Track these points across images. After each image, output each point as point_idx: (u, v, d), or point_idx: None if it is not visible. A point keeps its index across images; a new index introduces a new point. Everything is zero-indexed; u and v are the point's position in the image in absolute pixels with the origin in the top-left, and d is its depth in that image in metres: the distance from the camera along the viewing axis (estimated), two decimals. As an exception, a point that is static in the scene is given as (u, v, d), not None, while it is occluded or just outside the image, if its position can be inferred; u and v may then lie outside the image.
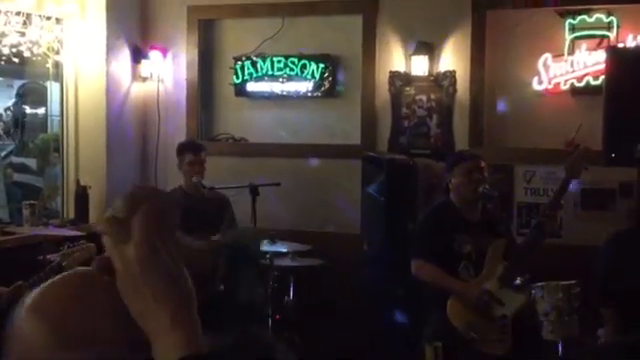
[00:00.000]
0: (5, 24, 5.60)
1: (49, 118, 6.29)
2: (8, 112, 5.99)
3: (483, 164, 4.45)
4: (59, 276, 1.18)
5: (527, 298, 3.98)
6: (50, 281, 1.18)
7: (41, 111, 6.24)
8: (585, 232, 5.54)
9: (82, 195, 6.09)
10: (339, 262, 5.73)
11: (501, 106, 5.93)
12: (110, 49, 6.28)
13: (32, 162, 6.26)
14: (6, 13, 5.60)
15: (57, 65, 6.15)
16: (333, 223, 6.17)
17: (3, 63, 5.71)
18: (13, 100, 6.04)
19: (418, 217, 4.79)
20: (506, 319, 4.13)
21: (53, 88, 6.26)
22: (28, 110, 6.14)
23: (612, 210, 5.49)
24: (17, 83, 5.99)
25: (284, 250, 5.07)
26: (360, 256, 5.73)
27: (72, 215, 6.16)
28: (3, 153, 5.99)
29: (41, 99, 6.21)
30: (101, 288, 1.06)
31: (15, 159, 6.13)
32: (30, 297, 1.14)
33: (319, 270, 5.33)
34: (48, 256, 4.73)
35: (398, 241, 5.14)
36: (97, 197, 6.18)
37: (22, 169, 6.18)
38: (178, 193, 5.57)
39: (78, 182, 6.14)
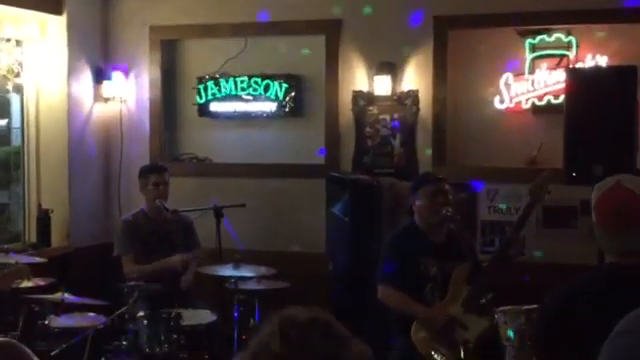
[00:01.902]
0: (-37, 47, 5.54)
1: (12, 131, 6.21)
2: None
3: (447, 187, 4.47)
4: None
5: (490, 322, 3.99)
6: None
7: (3, 123, 6.15)
8: (547, 249, 5.60)
9: (44, 218, 6.02)
10: (304, 282, 5.72)
11: (463, 126, 5.97)
12: (72, 70, 6.24)
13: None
14: (-36, 36, 5.53)
15: (18, 88, 6.08)
16: (298, 243, 6.17)
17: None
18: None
19: (383, 239, 4.80)
20: (469, 344, 4.14)
21: (13, 103, 6.19)
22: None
23: (574, 227, 5.55)
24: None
25: (249, 274, 5.05)
26: (325, 276, 5.73)
27: (34, 239, 6.09)
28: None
29: (4, 111, 6.14)
30: None
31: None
32: None
33: (284, 291, 5.32)
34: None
35: (363, 261, 5.16)
36: (59, 220, 6.13)
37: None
38: (140, 216, 5.53)
39: (40, 205, 6.08)
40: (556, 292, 2.51)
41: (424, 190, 4.45)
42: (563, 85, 5.38)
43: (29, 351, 1.79)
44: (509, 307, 3.79)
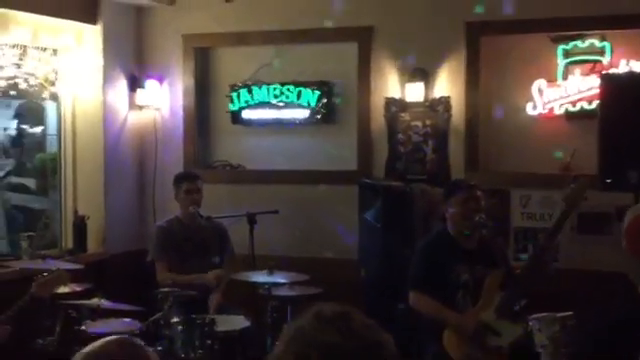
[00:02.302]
0: (1, 57, 5.63)
1: (47, 137, 6.31)
2: (7, 132, 6.02)
3: (479, 193, 4.47)
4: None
5: (524, 329, 3.98)
6: None
7: (39, 130, 6.26)
8: (582, 256, 5.56)
9: (80, 225, 6.11)
10: (337, 288, 5.73)
11: (496, 133, 5.96)
12: (107, 79, 6.32)
13: (31, 182, 6.27)
14: (1, 46, 5.63)
15: (54, 96, 6.18)
16: (331, 249, 6.19)
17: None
18: (11, 120, 6.07)
19: (415, 246, 4.80)
20: (502, 349, 4.14)
21: (49, 111, 6.29)
22: (27, 130, 6.16)
23: (608, 234, 5.51)
24: (15, 103, 6.03)
25: (282, 281, 5.08)
26: (358, 282, 5.74)
27: (70, 245, 6.18)
28: (1, 173, 6.00)
29: (39, 118, 6.24)
30: None
31: (14, 179, 6.15)
32: None
33: (317, 298, 5.34)
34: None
35: (395, 267, 5.17)
36: (95, 226, 6.21)
37: (21, 189, 6.20)
38: (175, 223, 5.58)
39: (76, 212, 6.16)
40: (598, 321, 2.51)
41: (456, 197, 4.45)
42: (596, 91, 5.36)
43: (148, 349, 1.83)
44: (543, 314, 3.78)
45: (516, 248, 5.75)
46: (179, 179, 5.65)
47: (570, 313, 3.76)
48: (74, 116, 6.31)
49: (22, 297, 4.19)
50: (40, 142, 6.30)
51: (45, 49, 6.03)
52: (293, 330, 1.53)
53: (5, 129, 6.03)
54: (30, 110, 6.18)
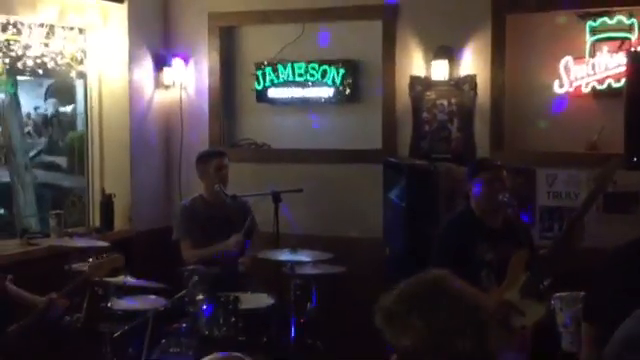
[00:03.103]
0: (29, 36, 5.68)
1: (77, 116, 6.36)
2: (38, 111, 6.07)
3: (504, 173, 4.44)
4: None
5: (547, 309, 3.97)
6: None
7: (70, 109, 6.31)
8: (608, 235, 5.49)
9: (107, 203, 6.17)
10: (361, 267, 5.75)
11: (522, 111, 5.91)
12: (133, 58, 6.35)
13: (63, 160, 6.33)
14: (29, 25, 5.67)
15: (81, 75, 6.22)
16: (356, 228, 6.20)
17: (27, 76, 5.80)
18: (43, 99, 6.13)
19: (439, 224, 4.80)
20: (526, 329, 4.13)
21: (79, 90, 6.34)
22: (58, 109, 6.22)
23: (635, 213, 5.46)
24: (46, 82, 6.08)
25: (306, 259, 5.10)
26: (382, 261, 5.75)
27: (97, 223, 6.24)
28: (32, 153, 6.07)
29: (70, 97, 6.29)
30: None
31: (46, 157, 6.22)
32: None
33: (341, 276, 5.36)
34: (74, 265, 4.84)
35: (419, 246, 5.16)
36: (122, 205, 6.27)
37: (53, 167, 6.26)
38: (198, 201, 5.62)
39: (103, 190, 6.22)
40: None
41: (481, 177, 4.42)
42: (624, 69, 5.29)
43: None
44: (566, 293, 3.77)
45: (542, 227, 5.72)
46: (206, 156, 5.66)
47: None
48: (101, 95, 6.35)
49: (79, 278, 4.30)
50: (71, 121, 6.35)
51: (72, 28, 6.07)
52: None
53: (36, 108, 6.08)
54: (61, 89, 6.23)
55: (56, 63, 5.94)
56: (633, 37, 5.53)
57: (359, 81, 6.28)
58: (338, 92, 6.27)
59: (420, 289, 1.86)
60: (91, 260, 4.50)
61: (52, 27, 5.87)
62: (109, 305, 4.74)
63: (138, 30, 6.38)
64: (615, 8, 5.57)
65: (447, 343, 1.75)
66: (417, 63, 6.01)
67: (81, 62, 6.17)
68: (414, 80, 6.01)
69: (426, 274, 1.92)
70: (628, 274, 2.50)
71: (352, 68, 6.24)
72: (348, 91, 6.24)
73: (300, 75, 6.35)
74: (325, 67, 6.27)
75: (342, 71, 6.23)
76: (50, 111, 6.18)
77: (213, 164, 5.55)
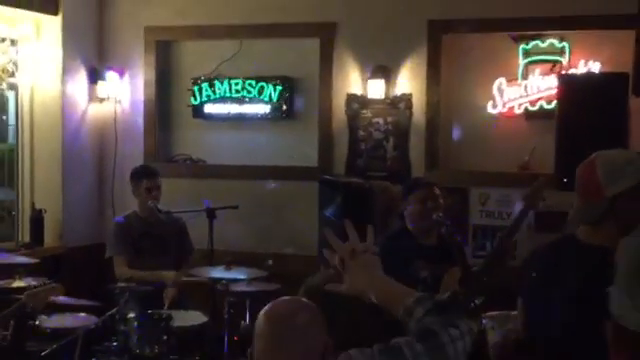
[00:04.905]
0: (-42, 46, 5.55)
1: (8, 128, 6.21)
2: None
3: (437, 191, 4.48)
4: None
5: (478, 327, 4.00)
6: None
7: (1, 119, 6.16)
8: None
9: (37, 219, 6.04)
10: (297, 284, 5.70)
11: (456, 131, 5.99)
12: (66, 70, 6.26)
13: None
14: (-41, 36, 5.54)
15: (12, 87, 6.09)
16: (291, 245, 6.18)
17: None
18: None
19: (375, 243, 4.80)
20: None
21: (10, 103, 6.21)
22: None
23: (565, 232, 5.55)
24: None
25: (240, 277, 5.06)
26: (317, 278, 5.74)
27: (27, 238, 6.10)
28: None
29: (0, 109, 6.14)
30: None
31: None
32: None
33: (276, 294, 5.33)
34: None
35: (355, 264, 5.16)
36: (53, 220, 6.14)
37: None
38: (133, 218, 5.54)
39: (33, 205, 6.09)
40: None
41: (415, 195, 4.45)
42: (555, 91, 5.40)
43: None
44: (497, 312, 3.80)
45: (475, 246, 5.79)
46: (138, 175, 5.57)
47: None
48: (32, 107, 6.23)
49: (14, 306, 4.17)
50: (1, 133, 6.21)
51: (4, 39, 5.94)
52: None
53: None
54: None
55: (-14, 74, 5.81)
56: (564, 60, 5.67)
57: (296, 98, 6.30)
58: (275, 109, 6.26)
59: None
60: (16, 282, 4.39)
61: (-17, 38, 5.75)
62: (37, 323, 4.63)
63: (72, 42, 6.28)
64: (547, 32, 5.72)
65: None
66: (354, 81, 6.05)
67: (12, 74, 6.03)
68: (350, 98, 6.04)
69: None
70: (543, 267, 2.92)
71: (289, 85, 6.25)
72: (285, 108, 6.25)
73: (237, 91, 6.33)
74: (262, 84, 6.26)
75: (279, 88, 6.23)
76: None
77: (144, 185, 5.47)
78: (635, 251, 2.27)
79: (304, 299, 2.18)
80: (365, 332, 2.34)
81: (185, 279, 5.34)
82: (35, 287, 4.25)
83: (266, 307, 2.09)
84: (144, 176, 5.53)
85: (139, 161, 6.29)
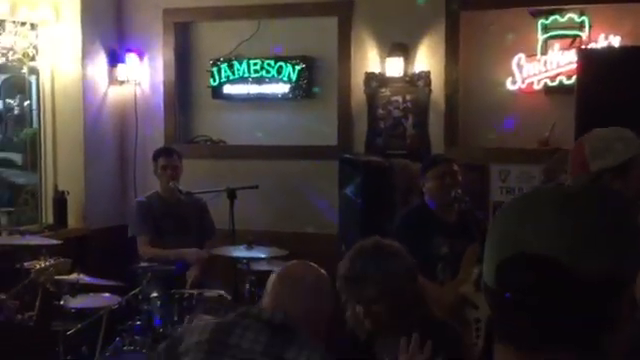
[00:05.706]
0: (-22, 31, 5.59)
1: (32, 112, 6.26)
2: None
3: (455, 167, 4.49)
4: None
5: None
6: None
7: (24, 105, 6.20)
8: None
9: (60, 200, 6.10)
10: (317, 263, 5.74)
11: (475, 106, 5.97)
12: (86, 53, 6.28)
13: (17, 157, 6.24)
14: (-22, 20, 5.59)
15: (33, 71, 6.14)
16: (312, 224, 6.20)
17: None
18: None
19: (394, 221, 4.82)
20: (480, 323, 4.17)
21: (31, 87, 6.26)
22: (12, 104, 6.11)
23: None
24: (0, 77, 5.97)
25: (261, 256, 5.09)
26: (337, 257, 5.75)
27: (51, 221, 6.17)
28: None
29: (25, 93, 6.18)
30: None
31: (0, 154, 6.12)
32: None
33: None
34: (25, 264, 4.78)
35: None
36: (76, 202, 6.20)
37: (7, 164, 6.17)
38: (154, 198, 5.59)
39: (56, 187, 6.15)
40: None
41: (433, 171, 4.47)
42: (575, 66, 5.37)
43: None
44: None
45: (495, 222, 5.77)
46: (156, 154, 5.67)
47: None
48: (53, 91, 6.28)
49: (22, 281, 4.24)
50: (26, 117, 6.26)
51: (24, 23, 5.98)
52: None
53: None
54: (15, 85, 6.14)
55: (7, 59, 5.85)
56: (584, 35, 5.62)
57: (315, 77, 6.29)
58: (294, 88, 6.27)
59: (366, 249, 2.57)
60: (40, 262, 4.45)
61: (3, 22, 5.79)
62: (62, 303, 4.69)
63: (91, 25, 6.31)
64: (566, 6, 5.66)
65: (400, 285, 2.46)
66: (372, 59, 6.04)
67: (33, 58, 6.08)
68: (369, 76, 6.03)
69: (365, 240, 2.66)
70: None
71: (308, 64, 6.24)
72: (304, 87, 6.25)
73: (256, 71, 6.34)
74: (281, 63, 6.26)
75: (298, 67, 6.23)
76: (4, 107, 6.08)
77: (160, 163, 5.55)
78: None
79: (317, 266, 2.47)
80: None
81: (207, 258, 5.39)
82: (45, 262, 4.31)
83: (280, 268, 2.19)
84: (161, 154, 5.61)
85: (160, 143, 6.34)
